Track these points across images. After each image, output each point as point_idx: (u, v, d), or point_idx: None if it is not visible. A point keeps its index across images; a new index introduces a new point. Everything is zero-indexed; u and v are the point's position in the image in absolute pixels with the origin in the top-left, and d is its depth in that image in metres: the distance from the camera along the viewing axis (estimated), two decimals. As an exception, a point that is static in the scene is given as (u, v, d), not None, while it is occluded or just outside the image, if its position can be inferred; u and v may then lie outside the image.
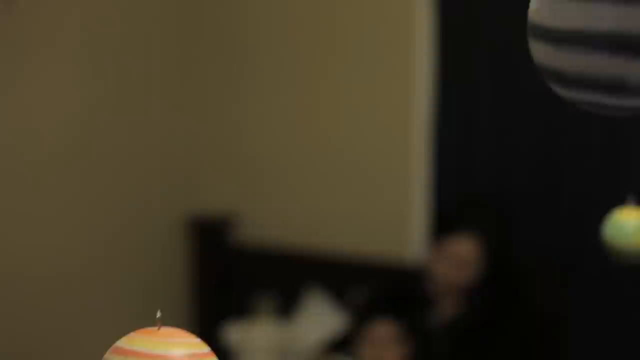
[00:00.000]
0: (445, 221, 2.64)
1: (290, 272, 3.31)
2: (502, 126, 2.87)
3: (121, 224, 3.12)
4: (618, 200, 1.38)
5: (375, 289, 2.71)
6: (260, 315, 3.22)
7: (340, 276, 3.24)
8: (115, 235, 3.10)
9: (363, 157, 3.23)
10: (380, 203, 3.18)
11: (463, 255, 2.53)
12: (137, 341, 1.11)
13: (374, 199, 3.20)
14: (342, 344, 2.69)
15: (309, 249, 3.29)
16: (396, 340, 2.51)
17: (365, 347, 2.53)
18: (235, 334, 3.07)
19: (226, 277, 3.49)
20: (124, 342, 1.11)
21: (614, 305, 2.73)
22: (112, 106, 3.10)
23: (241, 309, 3.42)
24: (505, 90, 2.86)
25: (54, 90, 2.86)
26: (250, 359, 2.93)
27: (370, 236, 3.19)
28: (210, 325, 3.47)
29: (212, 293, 3.51)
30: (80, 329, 2.93)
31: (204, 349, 1.09)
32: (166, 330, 1.09)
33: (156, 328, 1.05)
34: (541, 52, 0.77)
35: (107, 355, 1.14)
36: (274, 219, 3.42)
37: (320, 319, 3.13)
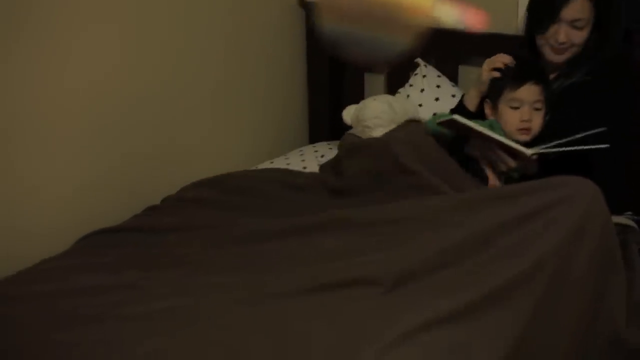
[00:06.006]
0: None
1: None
2: None
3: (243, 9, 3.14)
4: None
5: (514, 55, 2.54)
6: (373, 95, 3.17)
7: (453, 51, 3.17)
8: (239, 19, 3.11)
9: None
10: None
11: (576, 17, 2.40)
12: None
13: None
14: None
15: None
16: (542, 103, 2.39)
17: (509, 111, 2.40)
18: (350, 114, 3.05)
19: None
20: None
21: None
22: None
23: (355, 90, 3.44)
24: None
25: None
26: (368, 134, 2.90)
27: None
28: (324, 107, 3.52)
29: (324, 79, 3.49)
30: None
31: None
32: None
33: None
34: None
35: None
36: None
37: (433, 93, 3.09)
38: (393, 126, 2.90)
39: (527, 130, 2.35)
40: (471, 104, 2.62)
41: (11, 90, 2.25)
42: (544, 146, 2.23)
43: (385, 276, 1.79)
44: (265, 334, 1.63)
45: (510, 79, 2.42)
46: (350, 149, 2.61)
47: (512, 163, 2.28)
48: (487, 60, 2.57)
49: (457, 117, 2.26)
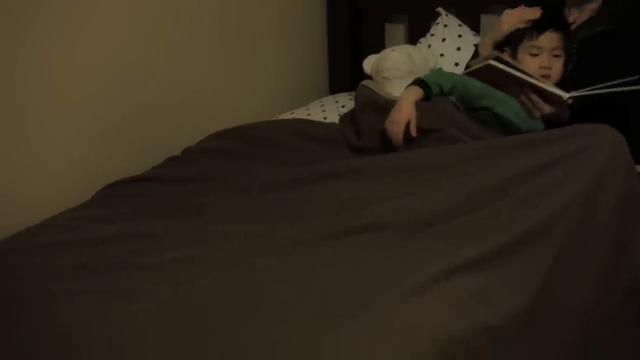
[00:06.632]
0: None
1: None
2: None
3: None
4: None
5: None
6: (393, 45, 3.16)
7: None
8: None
9: None
10: None
11: None
12: None
13: None
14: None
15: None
16: (562, 50, 2.34)
17: (528, 58, 2.35)
18: (370, 64, 3.03)
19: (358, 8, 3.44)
20: None
21: None
22: None
23: (375, 40, 3.41)
24: None
25: None
26: (387, 86, 2.89)
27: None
28: (344, 57, 3.49)
29: (344, 28, 3.45)
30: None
31: None
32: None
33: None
34: None
35: None
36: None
37: (455, 43, 3.05)
38: (412, 78, 2.88)
39: (546, 77, 2.33)
40: (486, 52, 2.59)
41: (20, 52, 2.22)
42: (580, 90, 2.18)
43: (404, 223, 1.77)
44: (282, 281, 1.60)
45: (529, 27, 2.39)
46: (365, 104, 2.59)
47: (547, 109, 2.24)
48: (512, 13, 2.51)
49: (493, 62, 2.20)
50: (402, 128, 2.31)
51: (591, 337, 1.80)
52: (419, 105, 2.38)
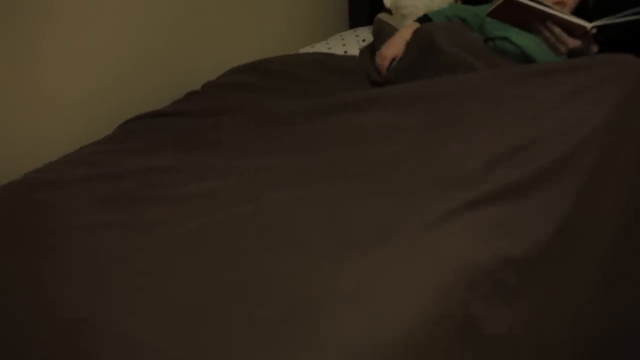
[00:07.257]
0: None
1: None
2: None
3: None
4: None
5: None
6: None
7: None
8: None
9: None
10: None
11: None
12: None
13: None
14: None
15: None
16: None
17: None
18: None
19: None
20: None
21: None
22: None
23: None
24: None
25: None
26: (405, 23, 2.86)
27: None
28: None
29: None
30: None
31: None
32: None
33: None
34: None
35: None
36: None
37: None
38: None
39: (561, 3, 2.29)
40: None
41: None
42: (603, 19, 2.13)
43: (422, 157, 1.75)
44: (301, 212, 1.59)
45: None
46: (386, 34, 2.57)
47: (572, 42, 2.19)
48: None
49: None
50: (386, 63, 2.42)
51: (617, 268, 1.79)
52: (435, 24, 2.38)
